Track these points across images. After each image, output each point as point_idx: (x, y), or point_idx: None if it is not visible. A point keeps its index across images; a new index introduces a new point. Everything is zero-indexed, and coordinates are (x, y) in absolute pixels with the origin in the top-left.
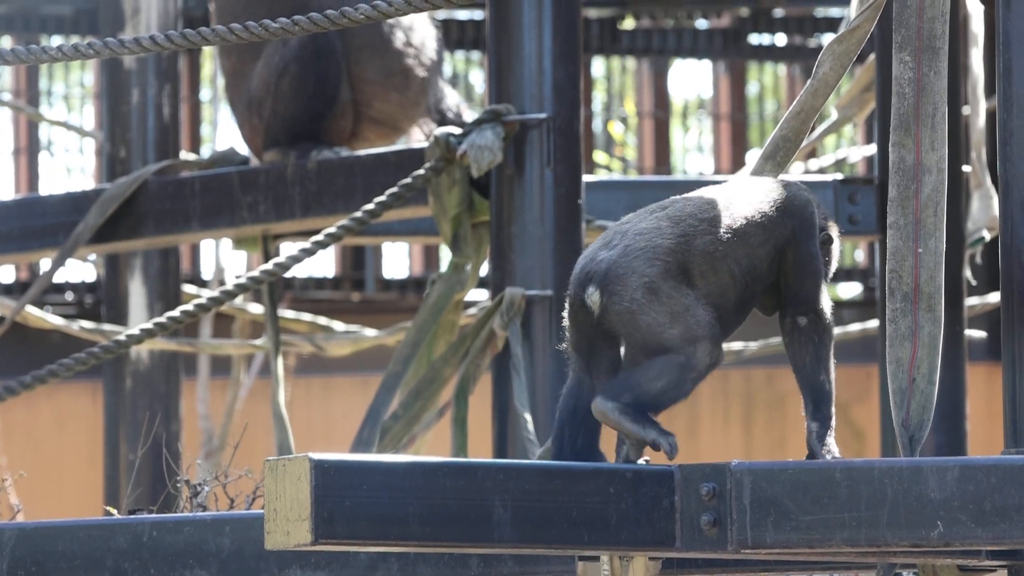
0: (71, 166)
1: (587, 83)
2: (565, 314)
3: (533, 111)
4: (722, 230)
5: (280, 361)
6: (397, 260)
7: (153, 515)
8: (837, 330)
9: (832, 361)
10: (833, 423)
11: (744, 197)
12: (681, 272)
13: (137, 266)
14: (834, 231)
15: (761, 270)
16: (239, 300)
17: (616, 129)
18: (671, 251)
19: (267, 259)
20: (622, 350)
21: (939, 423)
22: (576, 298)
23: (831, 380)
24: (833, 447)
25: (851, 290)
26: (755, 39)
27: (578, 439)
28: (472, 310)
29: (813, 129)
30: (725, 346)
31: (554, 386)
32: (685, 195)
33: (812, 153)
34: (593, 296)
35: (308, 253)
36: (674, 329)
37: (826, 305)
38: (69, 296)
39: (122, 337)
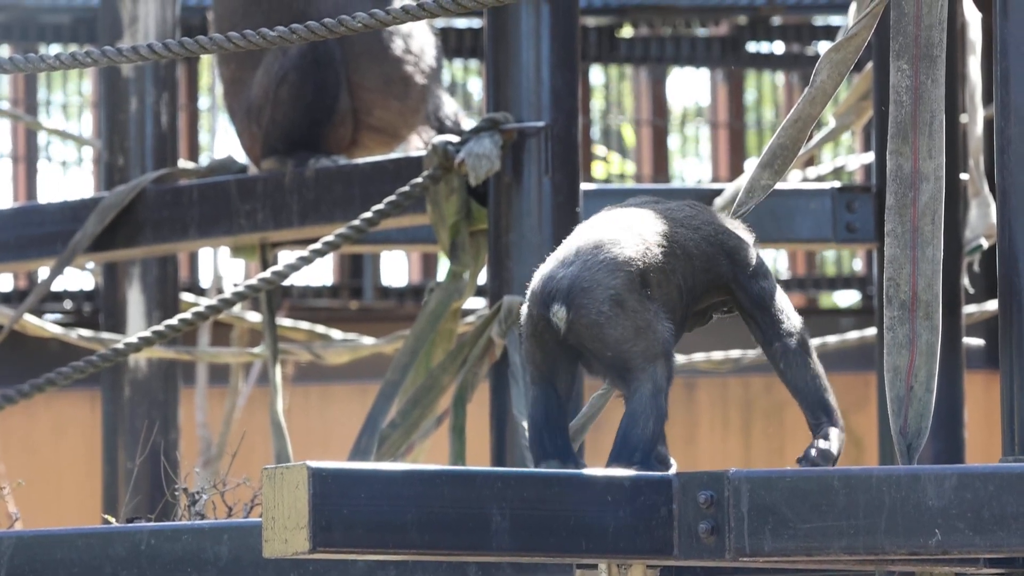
0: (69, 175)
1: (585, 91)
2: (525, 333)
3: (531, 119)
4: (673, 244)
5: (278, 369)
6: (395, 268)
7: (151, 523)
8: (835, 338)
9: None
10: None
11: (687, 220)
12: (642, 283)
13: (135, 274)
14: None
15: (698, 293)
16: (237, 308)
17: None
18: (631, 261)
19: (265, 267)
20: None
21: (937, 431)
22: (540, 317)
23: (830, 389)
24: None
25: (849, 298)
26: (753, 47)
27: (557, 440)
28: (470, 318)
29: (811, 137)
30: (723, 354)
31: None
32: (623, 208)
33: (810, 161)
34: (559, 313)
35: (306, 261)
36: (637, 346)
37: (800, 323)
38: (67, 304)
39: (120, 345)
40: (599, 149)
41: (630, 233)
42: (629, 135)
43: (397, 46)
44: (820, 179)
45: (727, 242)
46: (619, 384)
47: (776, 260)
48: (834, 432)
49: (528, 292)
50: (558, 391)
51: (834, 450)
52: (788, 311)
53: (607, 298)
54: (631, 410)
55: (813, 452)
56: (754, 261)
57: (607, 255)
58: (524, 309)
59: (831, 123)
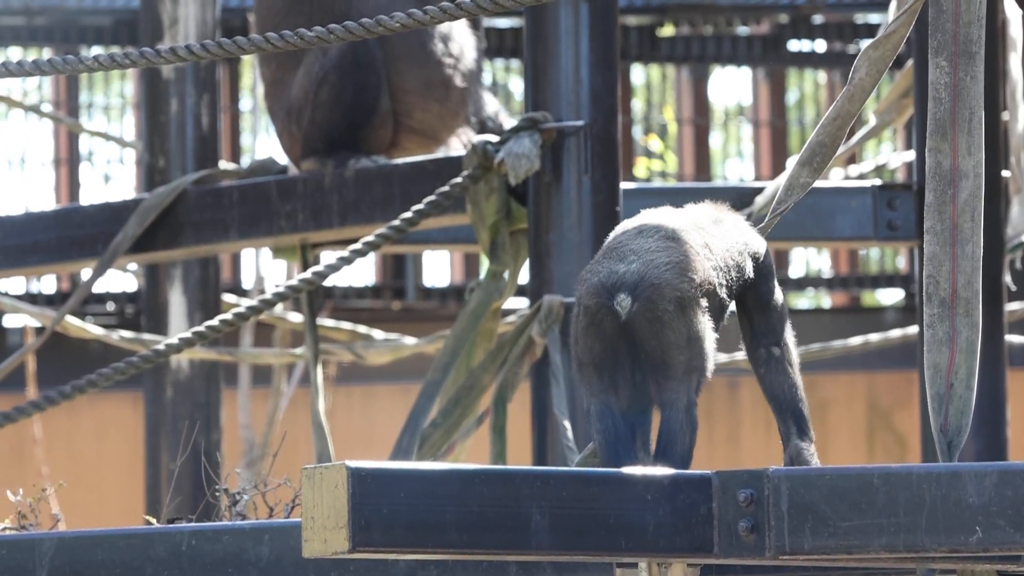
0: (111, 176)
1: (626, 90)
2: (580, 327)
3: (570, 118)
4: (718, 258)
5: (320, 370)
6: (437, 268)
7: (192, 524)
8: (878, 336)
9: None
10: (813, 438)
11: (720, 230)
12: (701, 293)
13: (177, 276)
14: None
15: (727, 305)
16: (279, 309)
17: (654, 143)
18: (695, 270)
19: (306, 268)
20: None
21: (979, 428)
22: (600, 307)
23: (806, 402)
24: (816, 460)
25: (892, 296)
26: (794, 46)
27: (632, 456)
28: (511, 318)
29: (851, 135)
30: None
31: None
32: (665, 218)
33: (852, 159)
34: (624, 302)
35: (346, 262)
36: (684, 355)
37: (791, 334)
38: (109, 306)
39: (162, 346)
40: (652, 142)
41: (689, 243)
42: (670, 135)
43: (437, 49)
44: (861, 177)
45: (752, 245)
46: (652, 387)
47: (813, 258)
48: (804, 445)
49: (583, 288)
50: (619, 397)
51: (812, 461)
52: (784, 318)
53: (674, 298)
54: (669, 426)
55: (793, 455)
56: (768, 263)
57: (674, 258)
58: (578, 305)
59: (872, 120)
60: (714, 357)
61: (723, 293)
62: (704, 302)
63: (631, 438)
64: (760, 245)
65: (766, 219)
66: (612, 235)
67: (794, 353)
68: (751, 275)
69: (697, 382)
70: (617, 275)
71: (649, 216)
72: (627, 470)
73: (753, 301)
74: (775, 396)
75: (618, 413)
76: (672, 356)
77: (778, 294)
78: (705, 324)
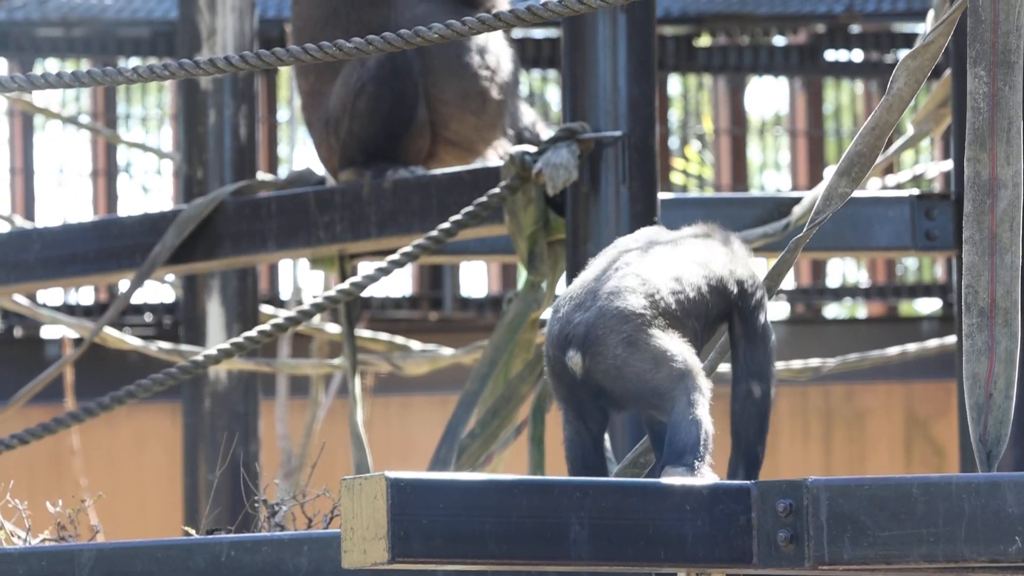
0: (149, 187)
1: (663, 101)
2: (547, 371)
3: (608, 129)
4: (687, 290)
5: (358, 380)
6: (475, 279)
7: (231, 535)
8: (916, 346)
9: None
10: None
11: (700, 255)
12: (655, 325)
13: (215, 287)
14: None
15: (710, 324)
16: (317, 320)
17: (693, 148)
18: (645, 308)
19: (344, 279)
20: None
21: (1018, 438)
22: (556, 360)
23: (764, 449)
24: None
25: (930, 305)
26: (832, 55)
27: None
28: None
29: (889, 144)
30: (803, 363)
31: None
32: (645, 245)
33: (889, 169)
34: (575, 359)
35: (384, 272)
36: (660, 372)
37: (774, 374)
38: (147, 317)
39: (200, 357)
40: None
41: (643, 282)
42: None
43: (474, 60)
44: (899, 187)
45: (738, 272)
46: (655, 413)
47: (850, 268)
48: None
49: (546, 331)
50: (590, 428)
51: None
52: (771, 354)
53: (620, 341)
54: (671, 422)
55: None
56: (759, 294)
57: (621, 304)
58: (545, 351)
59: (910, 130)
60: (696, 357)
61: (694, 323)
62: (663, 324)
63: (600, 466)
64: (751, 275)
65: (804, 229)
66: (598, 259)
67: (772, 391)
68: (739, 303)
69: (693, 381)
70: (570, 327)
71: (631, 245)
72: (665, 480)
73: (740, 331)
74: (738, 433)
75: (588, 440)
76: (647, 380)
77: (767, 329)
78: (668, 337)
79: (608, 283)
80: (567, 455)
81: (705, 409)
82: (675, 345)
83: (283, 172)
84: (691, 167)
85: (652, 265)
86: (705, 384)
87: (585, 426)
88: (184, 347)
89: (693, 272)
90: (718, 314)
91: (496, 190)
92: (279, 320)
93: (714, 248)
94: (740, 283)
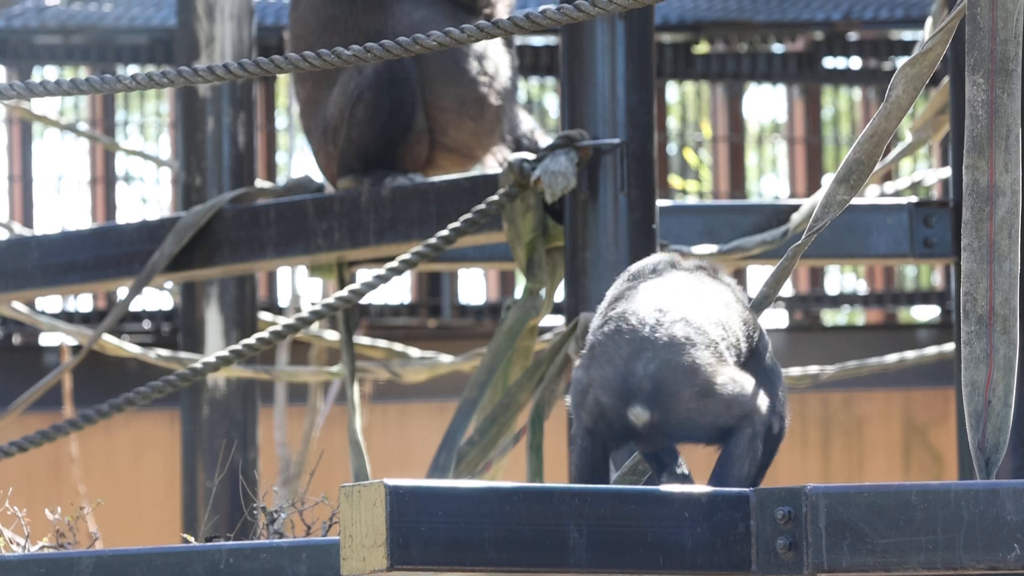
0: (147, 195)
1: (661, 108)
2: (589, 412)
3: (607, 136)
4: (730, 336)
5: (356, 388)
6: (473, 286)
7: (230, 542)
8: (914, 353)
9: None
10: None
11: (729, 300)
12: (720, 369)
13: (213, 294)
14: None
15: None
16: (315, 327)
17: (693, 151)
18: (711, 356)
19: (342, 286)
20: None
21: (1016, 446)
22: (613, 410)
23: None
24: None
25: (928, 313)
26: (830, 63)
27: None
28: (547, 335)
29: (887, 152)
30: (802, 370)
31: None
32: (672, 281)
33: (888, 176)
34: (641, 415)
35: (383, 280)
36: (732, 411)
37: (788, 410)
38: (146, 324)
39: (199, 365)
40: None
41: (700, 328)
42: (697, 156)
43: (472, 67)
44: (897, 194)
45: (749, 313)
46: (706, 442)
47: (848, 275)
48: None
49: (596, 371)
50: (607, 445)
51: None
52: (784, 394)
53: (693, 395)
54: (728, 452)
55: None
56: (764, 332)
57: (688, 358)
58: (590, 388)
59: (908, 137)
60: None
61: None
62: (727, 364)
63: (607, 478)
64: (756, 320)
65: (803, 237)
66: (625, 293)
67: (786, 426)
68: (753, 343)
69: (758, 417)
70: (634, 379)
71: (656, 280)
72: (664, 488)
73: (753, 370)
74: (717, 476)
75: (600, 454)
76: (721, 423)
77: (776, 365)
78: (737, 375)
79: (662, 330)
80: (577, 463)
81: (760, 442)
82: (744, 380)
83: (282, 179)
84: (688, 184)
85: (698, 310)
86: (766, 419)
87: (603, 443)
88: (183, 354)
89: (731, 318)
90: (742, 356)
91: (494, 197)
92: (278, 327)
93: (732, 289)
94: (754, 324)
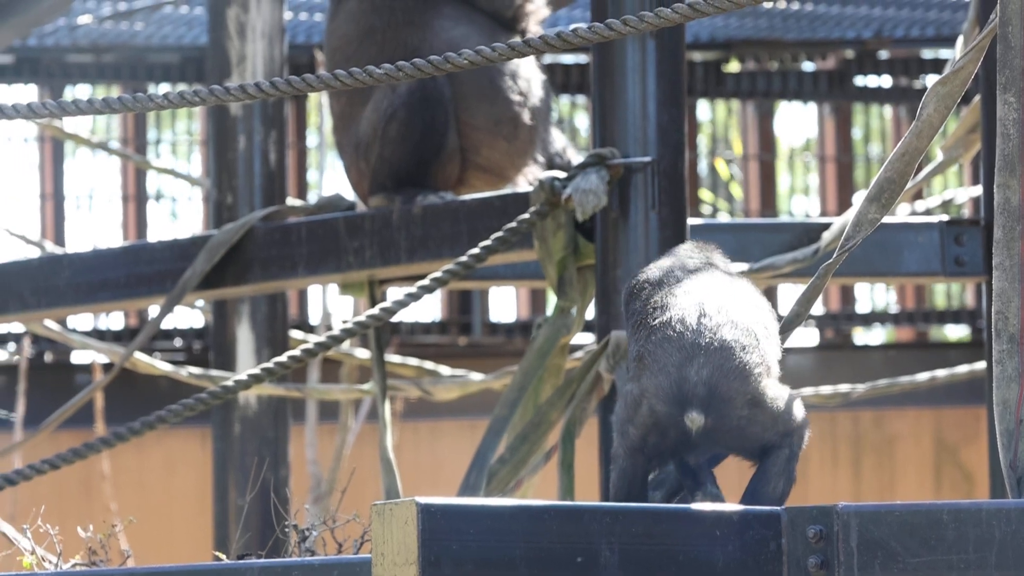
0: (178, 213)
1: (692, 126)
2: (642, 424)
3: (637, 154)
4: (772, 337)
5: (387, 406)
6: (504, 304)
7: (262, 560)
8: (945, 372)
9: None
10: None
11: (760, 302)
12: (768, 379)
13: (245, 312)
14: None
15: None
16: (346, 345)
17: (722, 168)
18: (760, 363)
19: (373, 304)
20: None
21: None
22: (669, 417)
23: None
24: None
25: (959, 331)
26: (860, 81)
27: None
28: (578, 354)
29: (918, 171)
30: (832, 388)
31: None
32: (709, 280)
33: (918, 195)
34: (697, 420)
35: (414, 298)
36: (777, 428)
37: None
38: (177, 342)
39: (230, 383)
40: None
41: (748, 331)
42: (727, 168)
43: (506, 86)
44: (928, 212)
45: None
46: (746, 456)
47: (879, 294)
48: None
49: (654, 386)
50: (648, 466)
51: None
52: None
53: (745, 403)
54: (765, 469)
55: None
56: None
57: (740, 362)
58: (642, 397)
59: (939, 156)
60: (801, 405)
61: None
62: (772, 375)
63: (645, 498)
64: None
65: (834, 255)
66: (667, 298)
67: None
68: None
69: (798, 436)
70: (688, 385)
71: (704, 287)
72: (696, 506)
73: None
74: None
75: (642, 475)
76: (766, 438)
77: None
78: (781, 390)
79: (709, 334)
80: (617, 483)
81: (796, 464)
82: (788, 397)
83: (313, 198)
84: (720, 203)
85: (741, 312)
86: (807, 437)
87: (645, 462)
88: (214, 372)
89: (767, 320)
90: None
91: (526, 216)
92: (309, 345)
93: (757, 289)
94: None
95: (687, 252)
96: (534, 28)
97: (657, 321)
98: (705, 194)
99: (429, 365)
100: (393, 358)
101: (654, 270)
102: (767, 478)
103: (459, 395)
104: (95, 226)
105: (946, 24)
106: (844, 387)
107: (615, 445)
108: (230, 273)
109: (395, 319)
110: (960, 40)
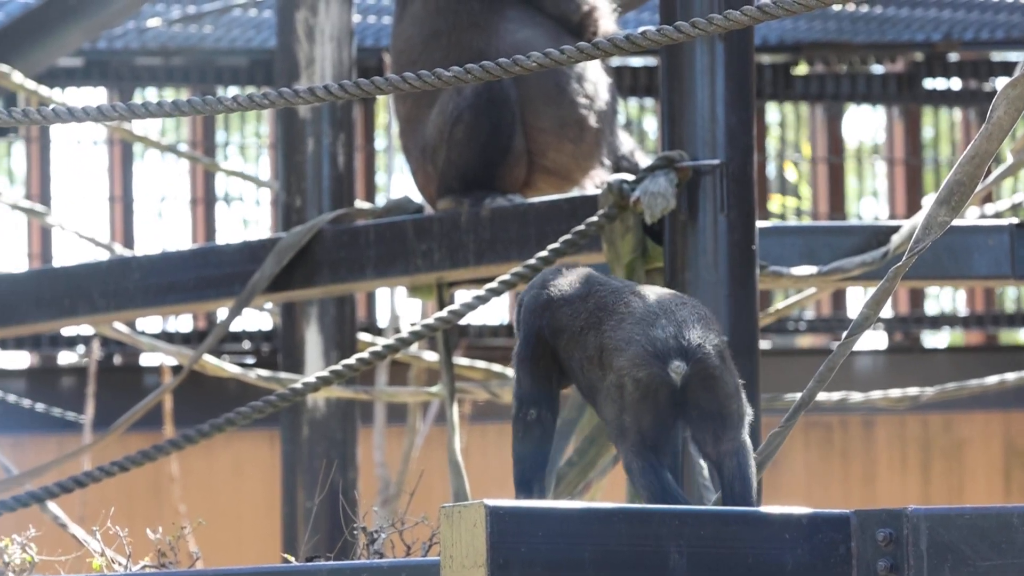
0: (247, 216)
1: (760, 129)
2: (634, 403)
3: (706, 157)
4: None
5: (455, 408)
6: None
7: (330, 562)
8: (1015, 375)
9: None
10: None
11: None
12: (726, 358)
13: (313, 314)
14: None
15: None
16: (414, 348)
17: (790, 173)
18: (717, 326)
19: (442, 306)
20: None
21: None
22: (655, 377)
23: None
24: None
25: None
26: (930, 84)
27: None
28: None
29: (988, 173)
30: (901, 391)
31: None
32: (653, 287)
33: (988, 197)
34: (679, 368)
35: (482, 300)
36: (736, 403)
37: None
38: (246, 345)
39: (299, 385)
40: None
41: (698, 303)
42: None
43: (573, 88)
44: (998, 215)
45: None
46: (707, 439)
47: (948, 297)
48: None
49: (628, 359)
50: (661, 460)
51: None
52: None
53: (716, 352)
54: (741, 472)
55: None
56: None
57: (698, 314)
58: (621, 375)
59: (1009, 159)
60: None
61: None
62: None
63: (677, 491)
64: None
65: (904, 258)
66: (617, 304)
67: None
68: None
69: (748, 430)
70: (659, 341)
71: (638, 285)
72: (765, 509)
73: None
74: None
75: (660, 469)
76: (728, 407)
77: None
78: (736, 377)
79: (667, 304)
80: (644, 483)
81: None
82: (740, 386)
83: (381, 200)
84: (788, 201)
85: (693, 309)
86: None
87: (656, 458)
88: (282, 375)
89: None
90: None
91: (594, 218)
92: (377, 348)
93: None
94: None
95: (584, 270)
96: (601, 31)
97: (611, 316)
98: (778, 199)
99: (497, 368)
100: (461, 361)
101: (564, 285)
102: (747, 480)
103: None
104: (164, 229)
105: (1016, 27)
106: (913, 390)
107: (625, 454)
108: (298, 276)
109: (463, 322)
110: None
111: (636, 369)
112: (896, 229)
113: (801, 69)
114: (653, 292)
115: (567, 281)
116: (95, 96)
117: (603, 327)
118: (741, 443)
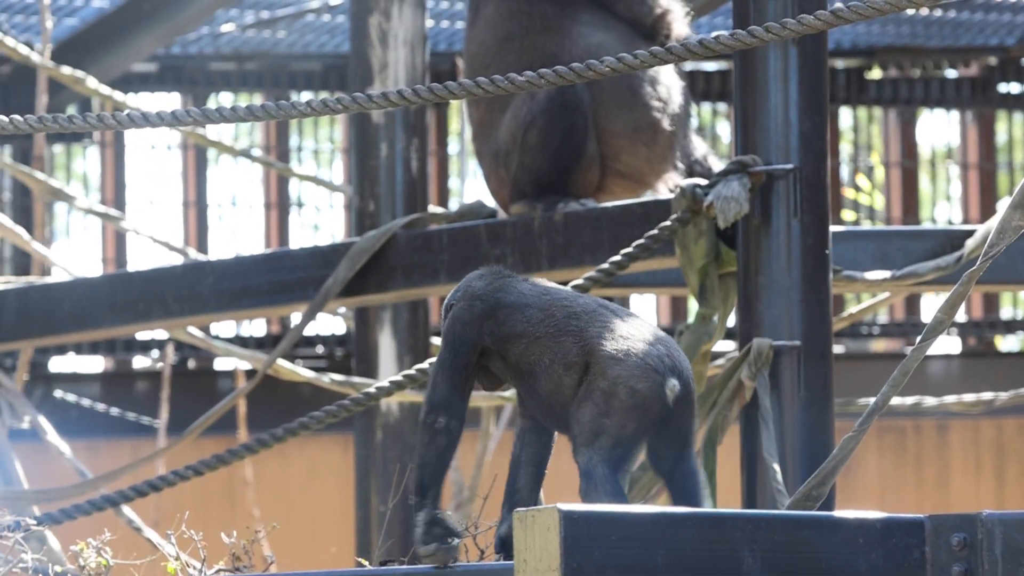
0: (320, 221)
1: (834, 133)
2: (625, 409)
3: (779, 162)
4: None
5: None
6: (645, 311)
7: (404, 567)
8: None
9: None
10: None
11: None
12: None
13: (386, 319)
14: None
15: None
16: None
17: (863, 181)
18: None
19: None
20: None
21: None
22: (653, 391)
23: None
24: None
25: None
26: (1004, 88)
27: None
28: (720, 361)
29: None
30: (975, 396)
31: (803, 436)
32: (606, 305)
33: None
34: (675, 388)
35: None
36: (695, 426)
37: None
38: (319, 349)
39: (372, 390)
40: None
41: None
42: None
43: (646, 92)
44: None
45: None
46: (674, 457)
47: (1021, 301)
48: None
49: (627, 369)
50: (622, 474)
51: None
52: None
53: (689, 378)
54: (696, 488)
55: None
56: None
57: (674, 341)
58: (617, 384)
59: None
60: None
61: None
62: None
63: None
64: None
65: (978, 262)
66: (569, 304)
67: None
68: None
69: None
70: (665, 360)
71: (589, 298)
72: (838, 513)
73: None
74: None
75: (619, 481)
76: (693, 429)
77: None
78: None
79: (658, 333)
80: (608, 490)
81: None
82: None
83: (454, 205)
84: (862, 197)
85: (663, 334)
86: None
87: (620, 468)
88: (356, 379)
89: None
90: None
91: (667, 223)
92: None
93: None
94: None
95: (508, 278)
96: (675, 35)
97: (593, 323)
98: (851, 193)
99: None
100: None
101: (504, 293)
102: (700, 497)
103: None
104: (238, 233)
105: None
106: (987, 395)
107: (588, 458)
108: (372, 280)
109: None
110: None
111: (636, 380)
112: (970, 233)
113: (875, 73)
114: (612, 305)
115: (505, 289)
116: (169, 101)
117: (586, 334)
118: (695, 465)
